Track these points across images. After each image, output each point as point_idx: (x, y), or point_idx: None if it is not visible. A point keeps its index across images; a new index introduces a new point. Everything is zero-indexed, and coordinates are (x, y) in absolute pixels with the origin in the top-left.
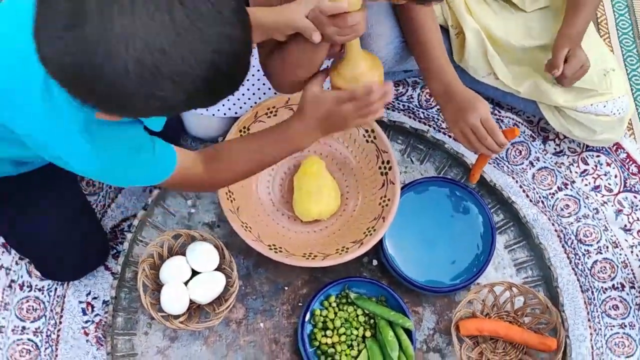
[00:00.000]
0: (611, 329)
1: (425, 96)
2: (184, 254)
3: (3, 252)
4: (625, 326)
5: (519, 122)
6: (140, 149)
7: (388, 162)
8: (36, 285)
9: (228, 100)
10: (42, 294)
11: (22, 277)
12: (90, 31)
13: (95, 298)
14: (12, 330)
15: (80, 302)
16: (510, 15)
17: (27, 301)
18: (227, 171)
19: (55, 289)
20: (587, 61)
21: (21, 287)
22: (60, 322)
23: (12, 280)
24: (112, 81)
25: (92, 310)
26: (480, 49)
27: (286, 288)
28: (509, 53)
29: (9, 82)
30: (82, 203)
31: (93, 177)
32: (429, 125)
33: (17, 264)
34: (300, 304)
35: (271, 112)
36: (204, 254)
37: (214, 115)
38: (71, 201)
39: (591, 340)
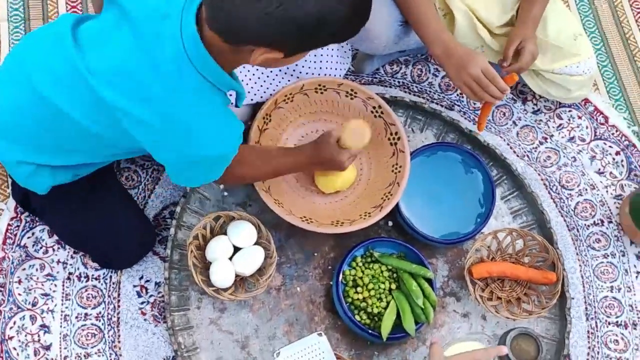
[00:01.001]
0: (596, 260)
1: (417, 72)
2: (225, 233)
3: (58, 247)
4: (608, 256)
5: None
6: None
7: (396, 133)
8: (92, 275)
9: (248, 92)
10: (99, 282)
11: (78, 269)
12: None
13: (147, 281)
14: (76, 317)
15: (135, 286)
16: None
17: (86, 290)
18: (248, 176)
19: (110, 276)
20: (536, 52)
21: (79, 278)
22: (119, 306)
23: (70, 273)
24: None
25: (146, 292)
26: (470, 26)
27: (315, 254)
28: (490, 29)
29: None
30: (126, 198)
31: (198, 167)
32: (423, 98)
33: (72, 257)
34: (329, 267)
35: (288, 99)
36: (243, 231)
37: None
38: (116, 197)
39: (580, 271)
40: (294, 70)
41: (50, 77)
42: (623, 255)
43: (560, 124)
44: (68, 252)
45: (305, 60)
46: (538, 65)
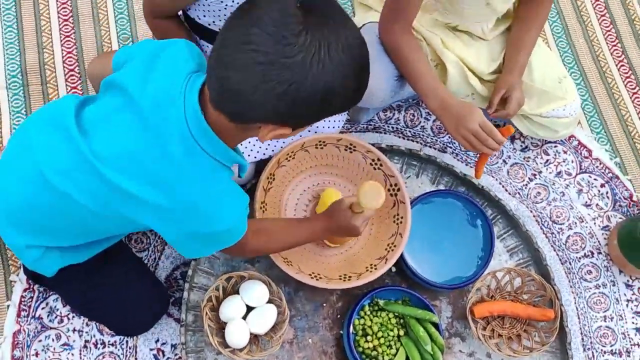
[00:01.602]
0: (589, 291)
1: (409, 117)
2: (237, 293)
3: (73, 316)
4: (600, 286)
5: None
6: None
7: (396, 184)
8: (109, 341)
9: (251, 150)
10: (116, 348)
11: (94, 336)
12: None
13: (164, 344)
14: None
15: (151, 349)
16: (477, 44)
17: (104, 357)
18: (264, 248)
19: (127, 341)
20: (522, 99)
21: (95, 345)
22: None
23: (86, 341)
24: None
25: (163, 355)
26: (461, 76)
27: (324, 305)
28: (481, 77)
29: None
30: (136, 263)
31: (206, 241)
32: (416, 142)
33: (87, 325)
34: (338, 317)
35: (290, 157)
36: (255, 291)
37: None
38: (128, 265)
39: (575, 303)
40: None
41: (57, 164)
42: (613, 285)
43: (547, 160)
44: (83, 320)
45: None
46: (526, 110)
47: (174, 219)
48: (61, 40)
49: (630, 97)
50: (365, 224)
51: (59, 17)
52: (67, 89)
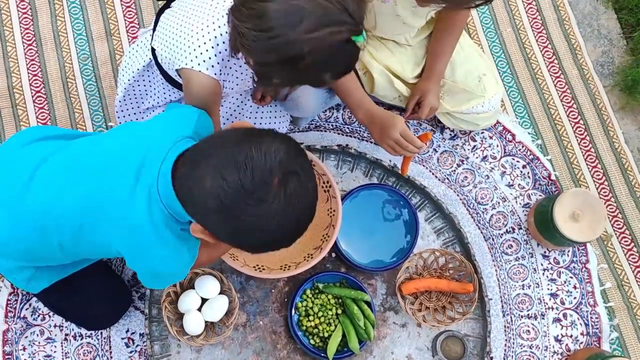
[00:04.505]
0: (509, 263)
1: (347, 114)
2: (193, 287)
3: (53, 314)
4: (519, 258)
5: (423, 121)
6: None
7: (327, 182)
8: (86, 334)
9: None
10: (92, 339)
11: (73, 329)
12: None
13: (133, 333)
14: None
15: (122, 338)
16: (402, 50)
17: (82, 347)
18: (207, 262)
19: (101, 333)
20: (436, 104)
21: (74, 337)
22: (111, 357)
23: (66, 334)
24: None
25: (133, 342)
26: (387, 82)
27: (273, 290)
28: (406, 81)
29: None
30: (104, 268)
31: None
32: (354, 137)
33: (66, 320)
34: (285, 300)
35: None
36: (208, 285)
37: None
38: (96, 270)
39: (496, 274)
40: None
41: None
42: (532, 256)
43: (474, 146)
44: None
45: (248, 118)
46: (448, 108)
47: (130, 253)
48: (27, 64)
49: (553, 81)
50: None
51: (23, 42)
52: (35, 109)
